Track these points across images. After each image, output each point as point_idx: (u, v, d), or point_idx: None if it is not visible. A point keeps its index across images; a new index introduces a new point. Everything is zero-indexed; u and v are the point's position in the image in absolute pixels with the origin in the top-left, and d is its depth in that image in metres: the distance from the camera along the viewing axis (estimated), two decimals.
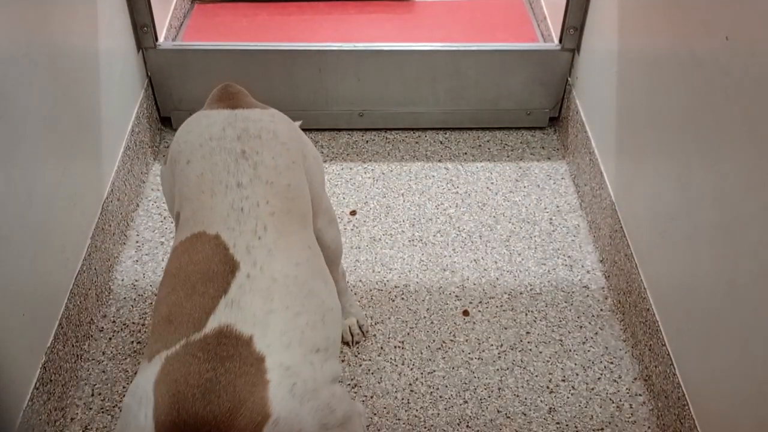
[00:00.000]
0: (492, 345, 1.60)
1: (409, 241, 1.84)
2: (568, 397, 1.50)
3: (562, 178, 2.05)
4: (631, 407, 1.49)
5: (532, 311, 1.68)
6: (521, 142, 2.18)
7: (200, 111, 1.19)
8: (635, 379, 1.54)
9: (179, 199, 1.08)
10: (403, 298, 1.70)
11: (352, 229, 1.87)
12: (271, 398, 0.85)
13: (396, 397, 1.50)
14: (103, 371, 1.53)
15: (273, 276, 0.96)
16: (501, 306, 1.69)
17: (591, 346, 1.61)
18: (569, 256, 1.81)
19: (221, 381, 0.84)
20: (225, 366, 0.86)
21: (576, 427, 1.45)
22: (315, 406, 0.90)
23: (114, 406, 1.47)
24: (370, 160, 2.10)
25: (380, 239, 1.85)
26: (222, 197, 1.02)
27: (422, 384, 1.52)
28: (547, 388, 1.52)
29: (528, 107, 2.18)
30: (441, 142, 2.17)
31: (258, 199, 1.02)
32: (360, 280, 1.74)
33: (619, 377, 1.54)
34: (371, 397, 1.50)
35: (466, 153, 2.14)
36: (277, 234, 1.01)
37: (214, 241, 0.99)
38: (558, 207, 1.95)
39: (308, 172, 1.19)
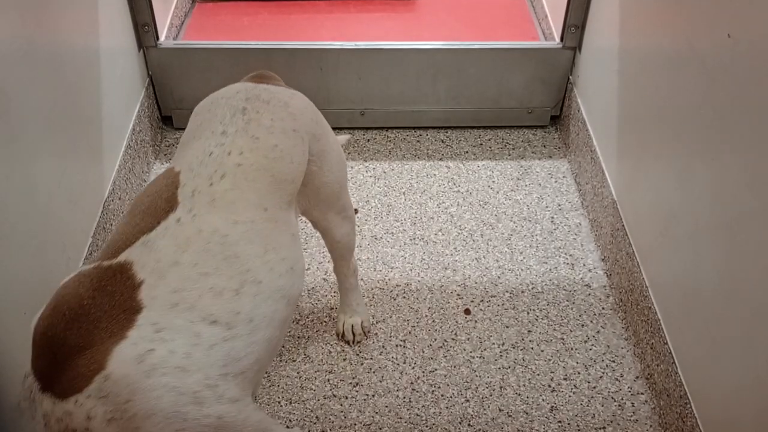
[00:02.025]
0: (493, 343, 1.60)
1: (411, 239, 1.84)
2: (569, 396, 1.50)
3: (564, 177, 2.05)
4: (632, 406, 1.49)
5: (533, 310, 1.68)
6: (522, 141, 2.18)
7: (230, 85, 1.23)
8: (637, 377, 1.54)
9: (180, 146, 1.11)
10: (404, 297, 1.70)
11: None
12: (114, 354, 0.80)
13: (397, 396, 1.50)
14: None
15: (200, 227, 0.92)
16: (502, 304, 1.68)
17: (593, 345, 1.60)
18: (571, 255, 1.81)
19: (91, 313, 0.83)
20: (103, 300, 0.84)
21: (578, 425, 1.45)
22: (171, 386, 0.81)
23: None
24: (371, 159, 2.10)
25: (382, 238, 1.85)
26: (203, 141, 1.02)
27: (424, 383, 1.52)
28: (549, 386, 1.52)
29: (529, 106, 2.18)
30: (442, 141, 2.17)
31: (232, 149, 1.00)
32: (361, 279, 1.73)
33: (621, 376, 1.54)
34: (373, 395, 1.50)
35: (467, 151, 2.13)
36: (232, 186, 0.97)
37: (173, 177, 0.98)
38: (559, 205, 1.95)
39: (320, 158, 1.18)
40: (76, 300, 0.84)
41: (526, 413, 1.47)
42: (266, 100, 1.10)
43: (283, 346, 1.59)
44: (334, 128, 2.20)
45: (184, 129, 2.17)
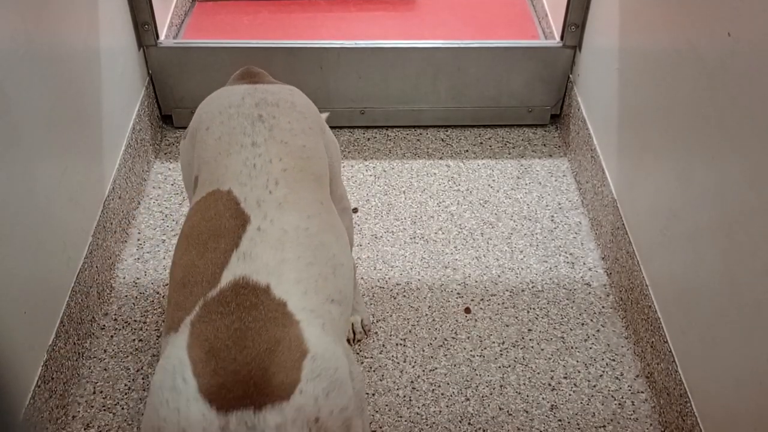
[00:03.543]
0: (494, 342, 1.60)
1: (411, 238, 1.84)
2: (569, 395, 1.50)
3: (564, 176, 2.05)
4: (633, 404, 1.49)
5: (533, 308, 1.68)
6: (523, 140, 2.18)
7: (221, 88, 1.22)
8: (637, 376, 1.54)
9: (197, 164, 1.10)
10: (404, 296, 1.70)
11: (353, 227, 1.87)
12: (306, 336, 0.86)
13: (398, 395, 1.50)
14: (105, 369, 1.53)
15: (283, 228, 0.97)
16: (503, 303, 1.69)
17: (593, 344, 1.60)
18: (571, 254, 1.81)
19: (251, 328, 0.84)
20: (251, 314, 0.86)
21: (578, 424, 1.45)
22: (346, 349, 0.90)
23: (116, 404, 1.47)
24: (371, 158, 2.10)
25: (382, 237, 1.85)
26: (236, 156, 1.04)
27: (424, 381, 1.52)
28: (549, 385, 1.52)
29: (529, 104, 2.18)
30: (442, 140, 2.17)
31: (271, 157, 1.04)
32: (361, 278, 1.73)
33: (621, 374, 1.54)
34: (373, 394, 1.50)
35: (467, 150, 2.13)
36: (289, 189, 1.02)
37: (227, 196, 1.00)
38: (560, 204, 1.95)
39: (328, 149, 1.21)
40: (225, 332, 0.84)
41: (527, 412, 1.47)
42: (275, 103, 1.12)
43: None
44: (334, 127, 2.20)
45: (184, 128, 2.18)
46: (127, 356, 1.56)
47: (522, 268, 1.77)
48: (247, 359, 0.82)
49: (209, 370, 0.82)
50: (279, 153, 1.05)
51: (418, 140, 2.17)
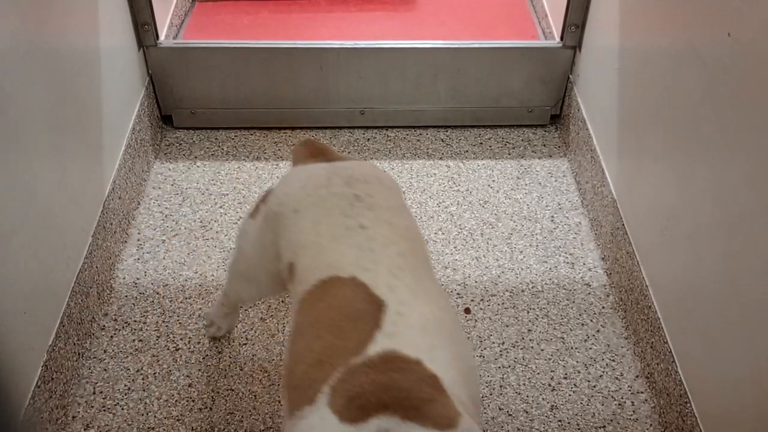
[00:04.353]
0: (494, 342, 1.60)
1: None
2: (569, 395, 1.50)
3: (564, 176, 2.05)
4: (633, 405, 1.49)
5: (533, 309, 1.68)
6: (523, 140, 2.18)
7: (294, 167, 1.16)
8: (637, 376, 1.54)
9: (291, 249, 1.04)
10: None
11: None
12: (459, 410, 0.81)
13: None
14: (105, 369, 1.53)
15: (424, 315, 0.92)
16: (502, 304, 1.68)
17: (593, 344, 1.60)
18: (571, 254, 1.81)
19: (401, 382, 0.81)
20: (401, 375, 0.82)
21: (578, 424, 1.45)
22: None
23: (115, 404, 1.47)
24: (371, 158, 2.10)
25: None
26: (346, 240, 0.99)
27: None
28: (549, 385, 1.52)
29: (529, 105, 2.18)
30: (442, 140, 2.17)
31: (385, 240, 0.99)
32: None
33: (621, 375, 1.54)
34: None
35: (467, 151, 2.13)
36: (413, 275, 0.97)
37: (352, 282, 0.94)
38: (559, 204, 1.95)
39: None
40: (371, 385, 0.81)
41: (526, 412, 1.47)
42: (363, 180, 1.07)
43: (282, 345, 1.59)
44: (333, 127, 2.21)
45: (184, 128, 2.19)
46: (127, 356, 1.56)
47: (522, 269, 1.77)
48: (397, 404, 0.78)
49: (354, 407, 0.79)
50: (389, 235, 1.00)
51: (418, 141, 2.17)
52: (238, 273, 1.27)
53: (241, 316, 1.65)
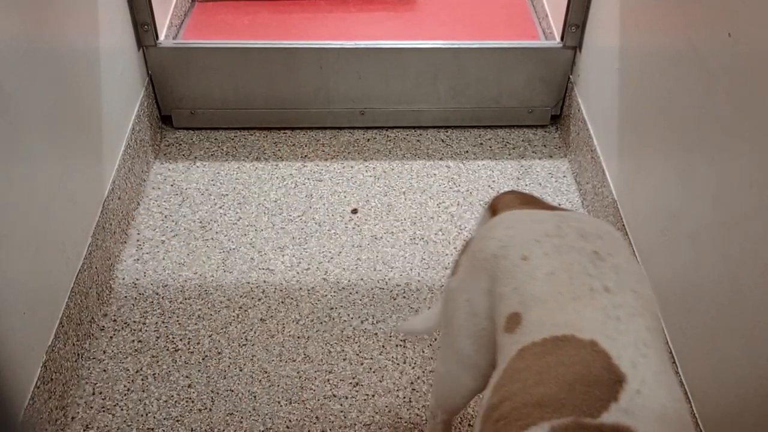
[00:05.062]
0: None
1: (411, 239, 1.84)
2: None
3: (564, 176, 2.04)
4: None
5: None
6: (523, 140, 2.17)
7: (509, 211, 1.08)
8: None
9: (518, 299, 0.96)
10: (404, 297, 1.69)
11: (353, 228, 1.87)
12: None
13: (398, 396, 1.49)
14: (104, 370, 1.53)
15: (663, 403, 0.86)
16: None
17: None
18: None
19: None
20: None
21: None
22: None
23: (115, 405, 1.47)
24: (371, 159, 2.10)
25: (382, 238, 1.84)
26: (589, 301, 0.92)
27: (424, 382, 1.52)
28: None
29: (530, 105, 2.18)
30: (442, 140, 2.17)
31: (632, 310, 0.92)
32: (361, 279, 1.73)
33: None
34: (372, 395, 1.49)
35: (467, 151, 2.13)
36: (657, 355, 0.90)
37: (591, 347, 0.89)
38: (560, 205, 1.95)
39: None
40: None
41: None
42: (597, 235, 0.99)
43: (282, 346, 1.58)
44: (333, 127, 2.20)
45: (183, 128, 2.19)
46: (127, 357, 1.56)
47: None
48: None
49: None
50: (636, 305, 0.93)
51: (418, 141, 2.17)
52: (452, 360, 1.13)
53: (240, 316, 1.64)
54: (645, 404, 0.84)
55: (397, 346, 1.59)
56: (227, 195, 1.96)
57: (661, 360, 0.90)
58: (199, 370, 1.54)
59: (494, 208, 1.15)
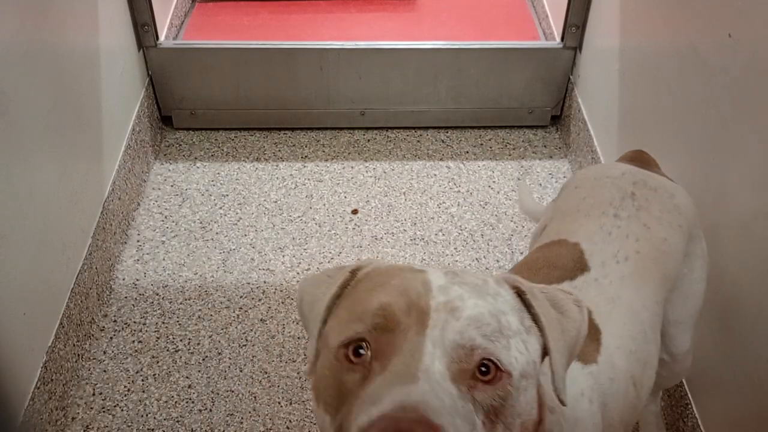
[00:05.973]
0: None
1: (411, 240, 1.84)
2: None
3: (564, 177, 2.04)
4: None
5: None
6: (523, 141, 2.17)
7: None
8: None
9: (552, 213, 1.12)
10: None
11: (353, 228, 1.87)
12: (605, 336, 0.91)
13: None
14: (104, 370, 1.53)
15: (619, 295, 0.97)
16: None
17: None
18: None
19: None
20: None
21: None
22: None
23: (115, 406, 1.47)
24: (371, 159, 2.10)
25: (382, 238, 1.84)
26: (595, 219, 1.04)
27: None
28: None
29: (530, 105, 2.18)
30: (442, 141, 2.17)
31: (629, 233, 1.02)
32: None
33: None
34: None
35: (467, 152, 2.13)
36: (635, 269, 1.00)
37: (572, 246, 1.01)
38: None
39: (693, 261, 1.10)
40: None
41: None
42: (653, 188, 1.08)
43: (282, 346, 1.58)
44: (334, 128, 2.20)
45: (183, 129, 2.18)
46: (127, 358, 1.56)
47: None
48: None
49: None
50: (637, 234, 1.02)
51: (418, 141, 2.17)
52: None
53: (241, 317, 1.64)
54: (599, 290, 0.97)
55: None
56: (227, 195, 1.96)
57: (637, 270, 1.00)
58: (199, 371, 1.54)
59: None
